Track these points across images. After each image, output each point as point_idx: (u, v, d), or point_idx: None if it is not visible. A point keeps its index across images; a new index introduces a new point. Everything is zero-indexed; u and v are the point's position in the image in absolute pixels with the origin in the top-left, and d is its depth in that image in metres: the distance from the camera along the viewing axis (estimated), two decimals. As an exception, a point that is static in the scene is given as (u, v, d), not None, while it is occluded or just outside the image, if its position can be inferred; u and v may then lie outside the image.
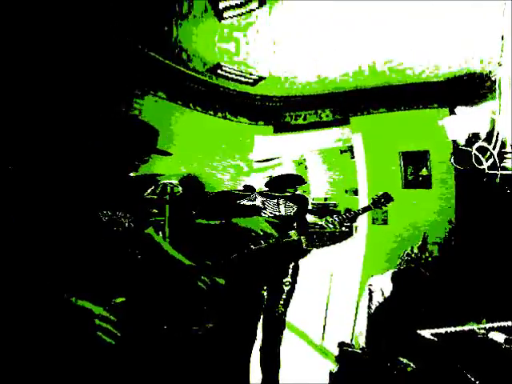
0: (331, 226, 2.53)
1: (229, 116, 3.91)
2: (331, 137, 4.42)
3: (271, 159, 4.28)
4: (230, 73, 3.30)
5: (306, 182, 2.71)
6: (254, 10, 2.40)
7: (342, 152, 4.87)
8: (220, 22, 2.50)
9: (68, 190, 1.29)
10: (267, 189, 2.62)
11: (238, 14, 2.46)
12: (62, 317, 1.12)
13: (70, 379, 1.13)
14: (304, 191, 5.57)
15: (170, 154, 1.56)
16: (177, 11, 2.43)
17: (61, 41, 2.45)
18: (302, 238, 2.46)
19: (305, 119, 4.04)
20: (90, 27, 2.53)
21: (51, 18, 2.33)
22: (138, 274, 1.42)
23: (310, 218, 4.73)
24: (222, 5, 2.36)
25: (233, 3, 2.36)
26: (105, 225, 1.32)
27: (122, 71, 2.91)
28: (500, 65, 2.14)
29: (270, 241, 2.31)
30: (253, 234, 2.16)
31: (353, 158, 4.26)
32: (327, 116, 3.98)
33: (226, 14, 2.44)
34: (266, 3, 2.34)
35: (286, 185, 2.60)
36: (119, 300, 1.23)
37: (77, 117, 2.44)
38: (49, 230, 1.20)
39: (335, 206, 4.87)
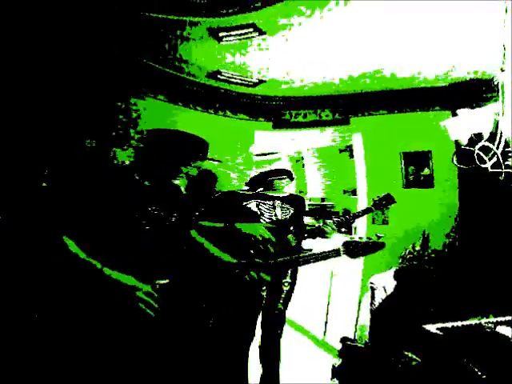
0: (330, 228, 2.51)
1: (229, 114, 3.93)
2: (330, 135, 4.44)
3: (270, 153, 4.29)
4: (229, 77, 3.36)
5: (292, 173, 2.67)
6: (253, 36, 2.49)
7: (340, 151, 4.87)
8: (219, 43, 2.61)
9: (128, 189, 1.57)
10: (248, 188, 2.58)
11: (238, 39, 2.55)
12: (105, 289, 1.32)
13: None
14: (301, 191, 5.57)
15: (220, 162, 1.78)
16: (178, 34, 2.54)
17: (78, 57, 2.83)
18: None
19: (304, 117, 4.05)
20: (99, 46, 2.85)
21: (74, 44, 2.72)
22: (181, 262, 1.60)
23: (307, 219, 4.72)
24: (221, 33, 2.46)
25: (233, 33, 2.45)
26: (154, 218, 1.55)
27: (126, 79, 3.20)
28: (502, 70, 2.17)
29: (269, 246, 2.31)
30: (252, 239, 2.16)
31: (351, 157, 4.27)
32: (327, 115, 4.00)
33: (225, 39, 2.54)
34: (265, 33, 2.43)
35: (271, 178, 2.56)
36: (162, 281, 1.41)
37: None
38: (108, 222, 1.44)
39: (332, 206, 4.86)
